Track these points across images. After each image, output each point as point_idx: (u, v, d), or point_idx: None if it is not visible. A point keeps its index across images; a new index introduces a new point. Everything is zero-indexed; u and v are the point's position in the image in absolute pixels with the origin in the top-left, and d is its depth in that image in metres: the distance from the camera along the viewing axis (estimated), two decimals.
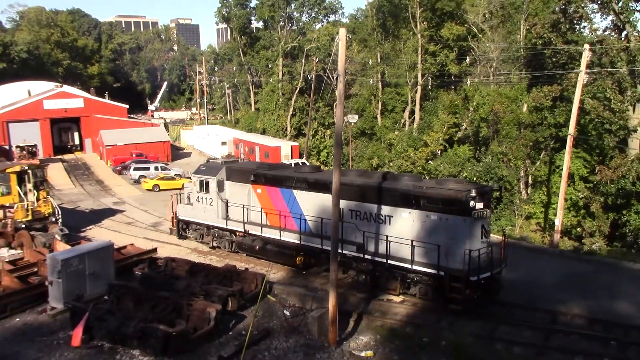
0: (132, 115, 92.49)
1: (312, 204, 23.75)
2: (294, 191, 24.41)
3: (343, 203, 21.56)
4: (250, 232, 25.99)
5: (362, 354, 16.99)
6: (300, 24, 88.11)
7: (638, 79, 37.75)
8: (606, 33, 41.89)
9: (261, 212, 25.57)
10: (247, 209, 25.93)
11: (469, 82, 52.26)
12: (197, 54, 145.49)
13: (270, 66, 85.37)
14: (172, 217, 30.78)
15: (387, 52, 65.60)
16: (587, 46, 30.73)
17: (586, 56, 29.95)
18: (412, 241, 19.92)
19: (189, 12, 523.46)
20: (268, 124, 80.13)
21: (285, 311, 19.93)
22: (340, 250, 21.26)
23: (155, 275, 21.86)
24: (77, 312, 17.65)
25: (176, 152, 75.04)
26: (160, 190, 48.50)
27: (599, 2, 41.00)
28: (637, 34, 39.05)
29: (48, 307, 19.73)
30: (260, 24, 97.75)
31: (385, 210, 21.34)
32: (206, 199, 27.62)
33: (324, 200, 22.61)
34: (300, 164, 51.34)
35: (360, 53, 73.55)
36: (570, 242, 36.89)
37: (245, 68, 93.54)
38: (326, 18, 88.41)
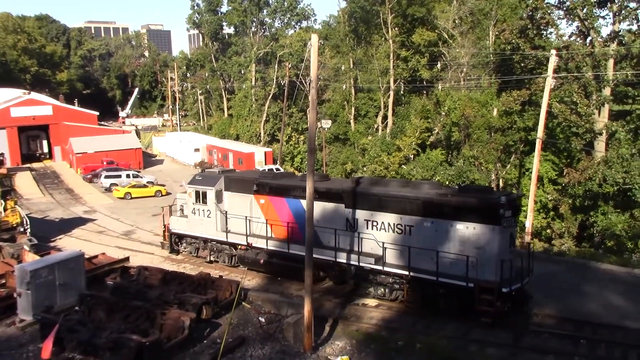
0: (102, 123, 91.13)
1: (322, 214, 22.34)
2: (302, 201, 22.38)
3: (358, 213, 21.42)
4: (253, 245, 24.56)
5: (338, 359, 17.00)
6: (273, 29, 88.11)
7: (603, 83, 38.77)
8: (572, 39, 43.03)
9: (265, 223, 24.08)
10: (250, 220, 24.53)
11: (440, 87, 52.97)
12: (168, 60, 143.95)
13: (242, 72, 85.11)
14: (164, 231, 29.06)
15: (359, 57, 66.06)
16: (553, 51, 31.47)
17: (553, 61, 30.66)
18: (437, 252, 18.98)
19: (160, 18, 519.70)
20: (241, 130, 79.85)
21: (260, 318, 19.83)
22: (357, 263, 21.09)
23: (128, 285, 21.55)
24: (47, 324, 17.28)
25: (148, 159, 74.14)
26: (132, 198, 47.87)
27: (565, 8, 42.08)
28: (601, 40, 40.16)
29: (17, 320, 19.30)
30: (231, 30, 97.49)
31: (405, 219, 20.33)
32: (203, 210, 25.95)
33: (336, 210, 21.97)
34: (275, 170, 51.40)
35: (333, 59, 73.91)
36: (541, 243, 37.59)
37: (217, 74, 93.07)
38: (298, 24, 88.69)
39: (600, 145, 39.50)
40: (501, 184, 46.74)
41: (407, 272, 19.87)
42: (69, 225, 37.51)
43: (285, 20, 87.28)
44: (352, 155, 62.27)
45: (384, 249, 20.48)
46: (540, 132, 31.32)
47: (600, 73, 38.60)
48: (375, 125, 65.41)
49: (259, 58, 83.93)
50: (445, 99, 51.45)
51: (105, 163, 61.78)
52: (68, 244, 31.35)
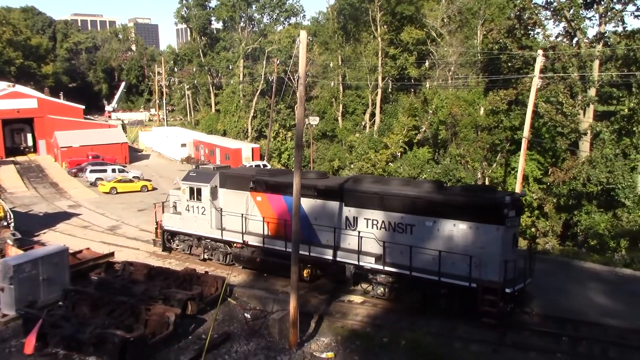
0: (88, 116, 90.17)
1: (321, 212, 22.13)
2: (301, 199, 22.65)
3: (357, 211, 21.15)
4: (249, 243, 24.09)
5: (323, 356, 17.06)
6: (262, 25, 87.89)
7: (588, 84, 39.19)
8: (558, 39, 43.42)
9: (262, 221, 23.61)
10: (246, 218, 24.04)
11: (428, 85, 53.19)
12: (156, 54, 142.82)
13: (230, 67, 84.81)
14: (156, 228, 28.60)
15: (348, 55, 66.11)
16: (540, 52, 31.73)
17: (540, 61, 30.91)
18: (439, 252, 18.73)
19: (147, 11, 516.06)
20: (229, 126, 79.58)
21: (245, 314, 19.83)
22: (356, 262, 20.84)
23: (113, 280, 21.41)
24: (30, 319, 17.13)
25: (134, 154, 73.64)
26: (117, 193, 47.52)
27: (552, 9, 42.45)
28: (587, 41, 40.56)
29: None
30: (220, 25, 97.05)
31: (406, 219, 20.03)
32: (197, 207, 25.48)
33: (336, 208, 21.68)
34: (262, 166, 51.33)
35: (322, 55, 73.87)
36: (525, 241, 37.98)
37: (205, 69, 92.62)
38: (287, 20, 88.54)
39: (584, 145, 39.94)
40: (487, 183, 47.10)
41: (407, 272, 19.55)
42: (53, 219, 37.15)
43: (274, 16, 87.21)
44: (339, 152, 62.38)
45: (385, 248, 20.20)
46: (526, 131, 31.59)
47: (586, 74, 39.01)
48: (363, 123, 65.57)
49: (247, 54, 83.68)
50: (433, 97, 51.69)
51: (90, 157, 61.27)
52: (52, 239, 31.06)
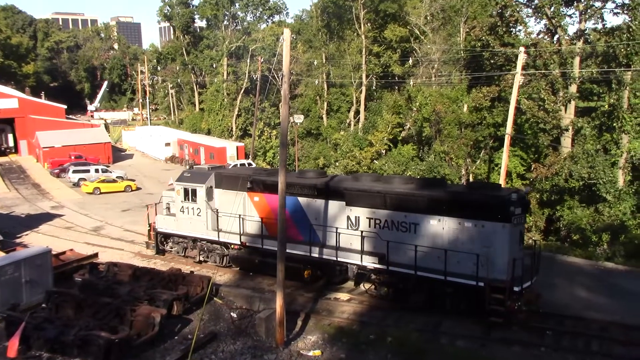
0: (70, 116, 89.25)
1: (321, 212, 21.85)
2: (300, 199, 22.27)
3: (359, 211, 20.77)
4: (248, 244, 23.65)
5: (310, 354, 17.09)
6: (245, 23, 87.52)
7: (569, 80, 39.64)
8: (540, 36, 43.82)
9: (260, 222, 23.25)
10: (243, 219, 23.60)
11: (411, 83, 53.39)
12: (138, 52, 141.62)
13: (214, 66, 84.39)
14: (149, 230, 27.98)
15: (332, 52, 66.13)
16: (522, 49, 32.00)
17: (522, 58, 31.18)
18: (445, 251, 18.46)
19: (130, 10, 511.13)
20: (213, 125, 79.20)
21: (232, 313, 19.81)
22: (359, 262, 20.53)
23: (97, 281, 21.24)
24: (12, 322, 16.96)
25: (118, 154, 73.03)
26: (101, 193, 47.10)
27: (533, 6, 42.84)
28: (567, 38, 41.01)
29: None
30: (203, 23, 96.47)
31: (411, 217, 19.73)
32: (193, 208, 24.96)
33: (337, 207, 21.33)
34: (247, 165, 51.18)
35: (306, 53, 73.81)
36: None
37: (189, 68, 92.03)
38: (271, 18, 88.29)
39: (566, 141, 40.38)
40: (471, 179, 47.46)
41: (412, 272, 19.28)
42: (35, 221, 36.74)
43: (258, 14, 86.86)
44: (324, 150, 62.41)
45: (388, 247, 19.84)
46: (509, 128, 31.85)
47: (567, 71, 39.44)
48: (348, 121, 65.65)
49: (231, 52, 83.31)
50: (417, 94, 51.90)
51: (73, 157, 60.65)
52: (35, 240, 30.73)
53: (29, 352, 16.31)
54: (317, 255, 21.72)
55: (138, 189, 49.35)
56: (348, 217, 21.20)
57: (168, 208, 26.72)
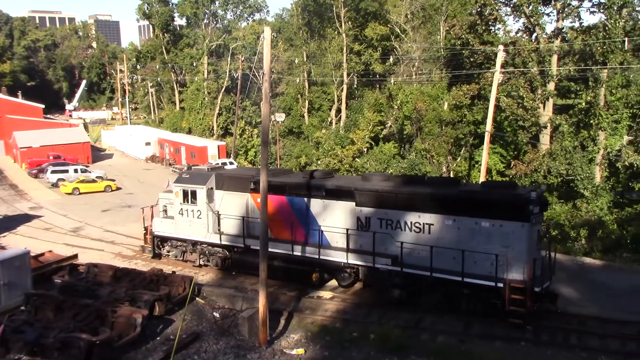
0: (48, 116, 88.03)
1: (330, 213, 21.21)
2: (307, 199, 21.78)
3: (369, 211, 20.32)
4: (252, 247, 22.65)
5: (293, 352, 17.11)
6: (226, 22, 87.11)
7: (547, 78, 40.19)
8: (518, 35, 44.37)
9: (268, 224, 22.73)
10: (247, 221, 22.83)
11: (392, 81, 53.67)
12: (117, 51, 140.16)
13: (195, 64, 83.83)
14: (145, 234, 27.30)
15: (313, 51, 66.15)
16: (501, 47, 32.41)
17: (501, 56, 31.57)
18: (462, 251, 18.07)
19: (108, 8, 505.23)
20: (194, 124, 78.73)
21: (214, 313, 19.73)
22: (371, 264, 20.07)
23: (77, 283, 21.00)
24: None
25: (97, 154, 72.17)
26: (80, 193, 46.49)
27: (512, 5, 43.36)
28: (545, 36, 41.57)
29: None
30: (183, 21, 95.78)
31: (425, 218, 19.27)
32: (192, 211, 24.10)
33: (346, 208, 20.80)
34: (228, 164, 50.95)
35: (287, 52, 73.72)
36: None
37: (169, 66, 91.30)
38: (251, 16, 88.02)
39: (545, 138, 40.94)
40: (452, 176, 47.87)
41: (428, 273, 18.85)
42: (13, 222, 36.16)
43: (238, 13, 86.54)
44: (306, 148, 62.42)
45: (402, 249, 19.37)
46: (488, 125, 32.22)
47: (545, 68, 39.99)
48: (329, 119, 65.74)
49: (212, 50, 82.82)
50: (398, 92, 52.20)
51: (51, 158, 59.78)
52: (13, 242, 30.24)
53: (8, 355, 16.05)
54: (326, 258, 21.14)
55: (118, 189, 48.84)
56: (358, 218, 20.67)
57: (165, 211, 25.92)
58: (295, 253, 21.76)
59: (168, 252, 26.11)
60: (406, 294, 19.85)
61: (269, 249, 21.97)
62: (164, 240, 26.08)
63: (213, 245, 24.31)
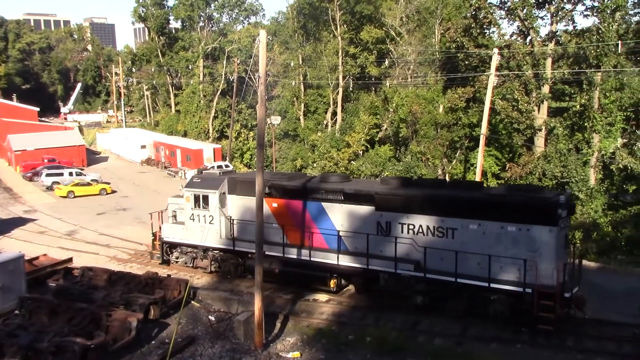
0: (43, 119, 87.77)
1: (349, 218, 20.88)
2: (325, 204, 21.32)
3: (390, 216, 20.01)
4: (267, 253, 21.71)
5: (289, 355, 17.08)
6: (221, 25, 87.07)
7: (542, 81, 40.35)
8: (513, 38, 44.54)
9: (281, 229, 22.10)
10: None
11: (388, 84, 53.73)
12: (113, 54, 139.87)
13: (190, 67, 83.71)
14: (153, 240, 26.61)
15: (308, 54, 66.13)
16: (496, 50, 32.52)
17: (495, 59, 31.66)
18: (489, 256, 17.79)
19: (103, 10, 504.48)
20: (189, 127, 78.58)
21: (210, 316, 19.68)
22: (393, 270, 19.71)
23: (71, 286, 20.92)
24: None
25: (92, 157, 71.96)
26: (75, 196, 46.36)
27: (506, 8, 43.52)
28: (540, 40, 41.75)
29: None
30: (178, 24, 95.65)
31: (447, 222, 18.96)
32: (205, 216, 23.69)
33: (366, 213, 20.46)
34: (224, 167, 50.91)
35: (282, 55, 73.68)
36: None
37: (164, 69, 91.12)
38: (247, 19, 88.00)
39: (539, 141, 41.08)
40: (447, 179, 47.93)
41: (452, 279, 18.55)
42: (7, 225, 36.02)
43: (234, 16, 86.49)
44: (301, 151, 62.36)
45: (425, 254, 19.06)
46: (483, 128, 32.29)
47: (540, 71, 40.14)
48: (325, 122, 65.71)
49: (207, 53, 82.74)
50: (393, 95, 52.23)
51: (46, 161, 59.59)
52: (7, 246, 30.11)
53: (2, 359, 15.97)
54: (345, 264, 20.80)
55: (113, 192, 48.72)
56: (378, 223, 20.30)
57: (174, 216, 25.48)
58: (313, 259, 21.41)
59: (177, 258, 25.62)
60: (429, 300, 19.51)
61: (285, 255, 21.95)
62: (172, 246, 25.59)
63: (226, 251, 23.83)
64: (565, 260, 17.81)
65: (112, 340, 16.47)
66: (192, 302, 20.77)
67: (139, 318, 17.26)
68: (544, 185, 36.11)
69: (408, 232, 19.74)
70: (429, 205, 19.31)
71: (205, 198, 23.64)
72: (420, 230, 19.53)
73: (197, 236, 24.19)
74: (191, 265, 25.10)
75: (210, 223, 23.68)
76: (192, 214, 24.11)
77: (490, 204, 18.38)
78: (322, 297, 21.62)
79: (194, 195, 23.91)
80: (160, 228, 25.79)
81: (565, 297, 17.33)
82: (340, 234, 20.96)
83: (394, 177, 23.83)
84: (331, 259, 20.97)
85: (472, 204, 18.64)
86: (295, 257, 21.84)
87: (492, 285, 17.94)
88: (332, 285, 21.39)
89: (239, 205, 23.46)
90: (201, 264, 24.87)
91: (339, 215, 21.15)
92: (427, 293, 19.50)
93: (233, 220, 23.40)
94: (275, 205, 22.47)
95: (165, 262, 25.85)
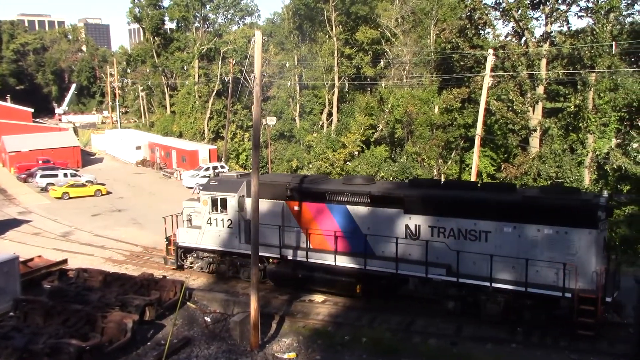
0: (37, 120, 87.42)
1: (376, 221, 20.27)
2: (350, 207, 20.71)
3: (419, 219, 19.48)
4: (289, 257, 21.81)
5: (285, 356, 17.10)
6: (216, 25, 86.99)
7: (536, 82, 40.51)
8: (508, 39, 44.69)
9: (305, 234, 21.49)
10: (283, 230, 21.77)
11: (383, 84, 53.82)
12: (107, 54, 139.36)
13: (185, 68, 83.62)
14: (167, 244, 25.57)
15: (304, 54, 66.21)
16: (491, 51, 32.63)
17: (490, 60, 31.77)
18: (526, 260, 17.29)
19: (98, 11, 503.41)
20: (185, 127, 78.47)
21: (206, 317, 19.68)
22: (423, 275, 19.18)
23: (67, 288, 20.88)
24: None
25: (87, 158, 71.72)
26: (70, 198, 46.19)
27: (501, 9, 43.67)
28: (534, 40, 41.92)
29: None
30: (174, 25, 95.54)
31: (481, 225, 18.43)
32: (222, 220, 22.95)
33: (394, 216, 19.89)
34: (220, 168, 50.87)
35: (278, 56, 73.73)
36: None
37: (159, 70, 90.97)
38: (242, 20, 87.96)
39: (534, 141, 41.24)
40: (443, 180, 48.04)
41: (487, 283, 18.04)
42: (1, 227, 35.82)
43: (229, 16, 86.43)
44: (297, 152, 62.40)
45: (458, 258, 18.53)
46: (479, 128, 32.39)
47: (534, 72, 40.29)
48: (320, 122, 65.76)
49: (202, 54, 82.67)
50: (389, 96, 52.34)
51: (40, 162, 59.36)
52: (1, 247, 29.94)
53: None
54: (372, 268, 20.14)
55: (108, 193, 48.57)
56: (407, 226, 19.76)
57: (189, 220, 24.80)
58: (338, 264, 20.80)
59: (192, 263, 24.93)
60: (461, 305, 19.03)
61: (309, 260, 21.32)
62: (187, 251, 24.85)
63: (245, 256, 22.51)
64: (604, 263, 17.42)
65: (107, 341, 16.46)
66: (188, 303, 20.76)
67: (135, 319, 17.24)
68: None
69: (439, 236, 19.22)
70: (461, 208, 18.83)
71: (224, 201, 22.97)
72: (452, 234, 18.99)
73: (215, 240, 23.47)
74: (207, 270, 24.43)
75: (228, 227, 23.02)
76: (210, 218, 23.36)
77: (526, 207, 17.90)
78: (318, 297, 21.63)
79: (212, 198, 23.22)
80: (174, 233, 25.12)
81: (607, 302, 16.89)
82: (367, 238, 20.37)
83: (423, 179, 23.21)
84: (357, 263, 20.41)
85: (506, 206, 18.17)
86: (319, 261, 21.26)
87: (530, 289, 17.46)
88: (357, 291, 20.83)
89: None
90: (219, 269, 24.19)
91: (365, 218, 20.58)
92: (459, 298, 18.99)
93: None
94: (296, 208, 21.89)
95: (180, 268, 25.18)
